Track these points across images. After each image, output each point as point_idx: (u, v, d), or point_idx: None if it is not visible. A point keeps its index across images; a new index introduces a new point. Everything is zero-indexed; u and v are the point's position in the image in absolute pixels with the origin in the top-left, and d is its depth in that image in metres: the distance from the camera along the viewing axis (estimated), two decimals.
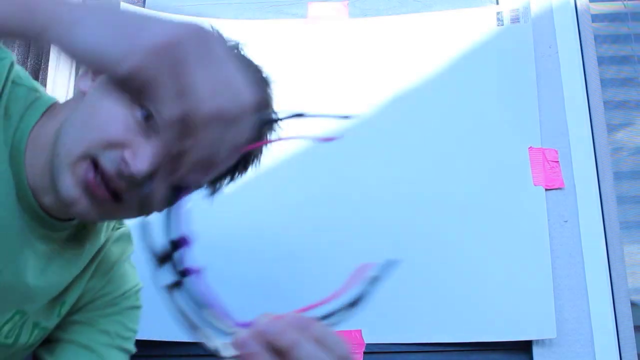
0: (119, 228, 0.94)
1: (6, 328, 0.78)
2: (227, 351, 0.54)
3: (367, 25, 1.38)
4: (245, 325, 0.54)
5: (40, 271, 0.80)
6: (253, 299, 1.16)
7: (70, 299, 0.87)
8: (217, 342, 0.55)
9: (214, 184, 0.86)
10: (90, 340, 0.89)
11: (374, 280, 0.61)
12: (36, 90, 0.77)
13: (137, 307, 0.95)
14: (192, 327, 0.55)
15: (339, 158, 1.26)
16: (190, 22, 0.49)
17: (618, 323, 1.14)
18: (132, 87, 0.49)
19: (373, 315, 1.15)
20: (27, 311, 0.80)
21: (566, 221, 1.21)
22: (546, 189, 1.22)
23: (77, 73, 1.38)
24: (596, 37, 1.38)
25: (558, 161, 1.24)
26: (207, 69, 0.48)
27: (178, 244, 0.56)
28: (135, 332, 0.94)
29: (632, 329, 1.14)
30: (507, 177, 1.23)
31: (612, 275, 1.17)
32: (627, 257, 1.23)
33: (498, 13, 1.35)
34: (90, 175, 0.69)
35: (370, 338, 1.14)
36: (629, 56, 1.47)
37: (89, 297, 0.90)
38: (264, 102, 0.82)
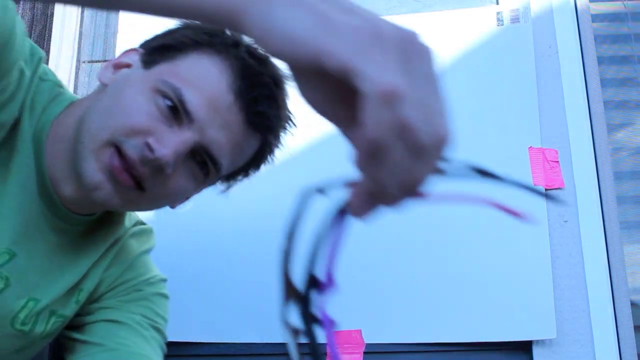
0: (141, 224, 0.96)
1: (22, 314, 0.79)
2: None
3: None
4: None
5: (51, 260, 0.81)
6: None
7: (88, 287, 0.87)
8: None
9: (229, 180, 0.87)
10: (121, 317, 0.90)
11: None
12: (60, 86, 0.81)
13: (165, 296, 0.95)
14: None
15: (338, 158, 1.26)
16: (408, 28, 0.44)
17: (618, 323, 1.14)
18: (330, 70, 0.40)
19: (373, 315, 1.15)
20: (40, 298, 0.81)
21: (566, 221, 1.21)
22: (546, 189, 1.22)
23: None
24: (596, 37, 1.37)
25: (558, 161, 1.24)
26: (425, 87, 0.41)
27: (317, 283, 0.48)
28: (165, 320, 0.94)
29: (632, 329, 1.14)
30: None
31: (612, 275, 1.17)
32: (627, 257, 1.23)
33: (498, 13, 1.35)
34: (115, 161, 0.71)
35: (370, 338, 1.14)
36: (629, 56, 1.47)
37: (107, 285, 0.90)
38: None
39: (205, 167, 0.78)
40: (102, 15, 1.42)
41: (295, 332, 0.50)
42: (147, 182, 0.73)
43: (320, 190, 0.49)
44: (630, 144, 1.43)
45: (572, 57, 1.32)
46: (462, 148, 1.36)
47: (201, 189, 0.83)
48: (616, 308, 1.15)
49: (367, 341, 1.13)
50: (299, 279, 0.48)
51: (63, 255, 0.83)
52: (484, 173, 0.52)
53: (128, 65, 0.81)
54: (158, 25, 1.38)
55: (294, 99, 0.80)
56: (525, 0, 1.35)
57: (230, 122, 0.76)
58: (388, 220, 1.22)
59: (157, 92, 0.74)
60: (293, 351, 0.49)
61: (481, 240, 1.19)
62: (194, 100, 0.74)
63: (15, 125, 0.75)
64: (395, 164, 0.41)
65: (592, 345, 1.12)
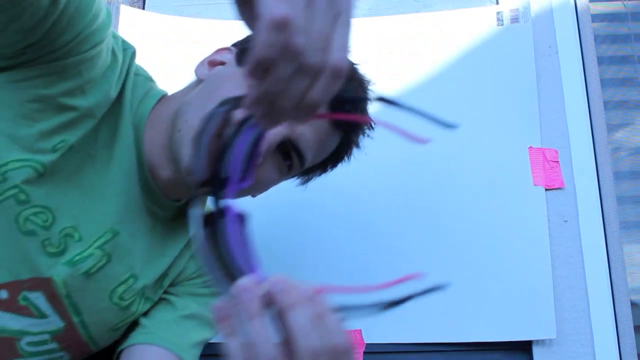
0: None
1: (120, 289, 0.86)
2: (228, 292, 0.52)
3: (367, 25, 1.38)
4: (259, 277, 0.53)
5: (149, 242, 0.89)
6: None
7: (172, 274, 0.95)
8: (224, 284, 0.53)
9: (307, 174, 0.96)
10: (178, 302, 0.96)
11: (409, 297, 0.60)
12: (152, 80, 0.89)
13: None
14: (208, 264, 0.54)
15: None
16: None
17: (618, 323, 1.14)
18: None
19: (373, 315, 1.15)
20: (139, 276, 0.88)
21: (566, 221, 1.21)
22: (546, 189, 1.22)
23: None
24: (596, 37, 1.37)
25: (558, 161, 1.24)
26: (324, 21, 0.50)
27: (224, 180, 0.56)
28: None
29: (632, 329, 1.14)
30: (507, 177, 1.23)
31: (612, 275, 1.17)
32: (626, 257, 1.23)
33: (498, 13, 1.35)
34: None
35: (370, 338, 1.13)
36: (629, 56, 1.47)
37: (186, 276, 0.97)
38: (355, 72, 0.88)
39: (289, 160, 0.85)
40: None
41: (206, 218, 0.56)
42: None
43: (230, 103, 0.59)
44: (630, 143, 1.43)
45: (572, 57, 1.32)
46: (462, 148, 1.37)
47: (282, 180, 0.90)
48: (616, 308, 1.15)
49: (367, 341, 1.13)
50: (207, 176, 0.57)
51: (158, 239, 0.90)
52: (389, 102, 0.62)
53: (222, 63, 0.87)
54: (158, 25, 1.38)
55: None
56: (525, 0, 1.35)
57: (317, 120, 0.84)
58: (387, 221, 1.22)
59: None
60: (202, 245, 0.55)
61: (481, 240, 1.19)
62: None
63: (118, 114, 0.82)
64: (283, 79, 0.50)
65: (592, 345, 1.12)
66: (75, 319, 0.84)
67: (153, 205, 0.88)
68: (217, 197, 0.57)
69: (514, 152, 1.24)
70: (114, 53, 0.80)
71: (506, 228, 1.20)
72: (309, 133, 0.83)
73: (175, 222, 0.93)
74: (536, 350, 1.12)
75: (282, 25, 0.47)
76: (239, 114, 0.61)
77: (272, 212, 1.21)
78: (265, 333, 0.49)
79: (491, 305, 1.14)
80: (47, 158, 0.76)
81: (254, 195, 0.91)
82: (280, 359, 0.49)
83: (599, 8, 1.49)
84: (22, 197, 0.76)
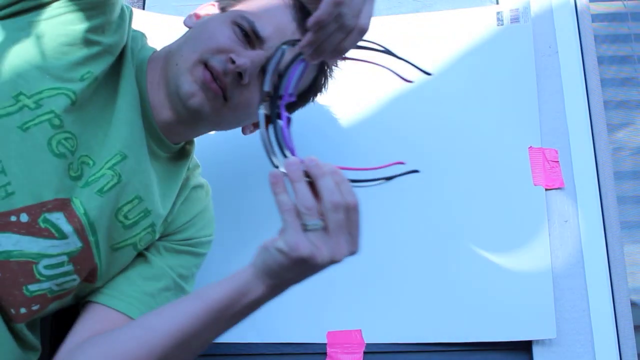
0: (198, 168, 1.11)
1: (126, 208, 0.93)
2: (281, 167, 0.78)
3: None
4: (299, 158, 0.77)
5: (153, 170, 0.97)
6: None
7: (169, 217, 1.02)
8: (278, 161, 0.79)
9: (302, 100, 1.07)
10: (158, 265, 1.01)
11: (397, 175, 0.90)
12: (144, 35, 1.03)
13: (205, 256, 1.08)
14: (267, 147, 0.80)
15: (338, 158, 1.26)
16: None
17: (618, 323, 1.14)
18: None
19: (373, 315, 1.15)
20: (144, 199, 0.95)
21: (566, 221, 1.21)
22: (546, 189, 1.22)
23: None
24: (596, 37, 1.38)
25: (558, 161, 1.24)
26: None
27: (281, 96, 0.84)
28: (192, 275, 1.06)
29: (632, 329, 1.14)
30: (507, 177, 1.23)
31: (612, 275, 1.17)
32: (627, 257, 1.23)
33: (498, 13, 1.35)
34: (207, 73, 0.92)
35: (370, 338, 1.13)
36: (629, 56, 1.47)
37: (175, 227, 1.03)
38: None
39: None
40: None
41: (266, 117, 0.83)
42: (229, 91, 0.93)
43: (290, 43, 0.90)
44: (630, 143, 1.43)
45: (572, 57, 1.32)
46: (462, 148, 1.36)
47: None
48: (616, 308, 1.15)
49: (367, 341, 1.13)
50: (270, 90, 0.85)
51: (161, 177, 0.99)
52: (389, 53, 0.98)
53: (207, 15, 1.04)
54: (158, 25, 1.38)
55: None
56: (525, 0, 1.35)
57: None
58: (387, 220, 1.22)
59: (234, 23, 0.95)
60: (262, 130, 0.82)
61: (481, 240, 1.19)
62: (265, 27, 0.95)
63: (121, 57, 0.94)
64: (329, 33, 0.80)
65: (592, 345, 1.12)
66: (91, 238, 0.90)
67: (154, 144, 0.97)
68: (274, 104, 0.83)
69: (514, 152, 1.24)
70: (121, 6, 0.93)
71: (506, 228, 1.20)
72: (287, 56, 0.93)
73: (172, 165, 1.02)
74: (536, 350, 1.12)
75: (339, 4, 0.77)
76: (290, 52, 0.88)
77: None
78: (306, 190, 0.75)
79: (491, 305, 1.14)
80: (77, 86, 0.86)
81: (244, 132, 1.08)
82: (314, 207, 0.74)
83: (599, 8, 1.49)
84: (57, 122, 0.85)
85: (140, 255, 1.00)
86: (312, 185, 0.75)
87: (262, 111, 0.83)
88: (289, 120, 0.83)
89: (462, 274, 1.17)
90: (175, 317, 0.82)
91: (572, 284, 1.17)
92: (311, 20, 0.78)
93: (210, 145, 1.23)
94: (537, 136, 1.25)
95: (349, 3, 0.78)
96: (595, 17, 1.45)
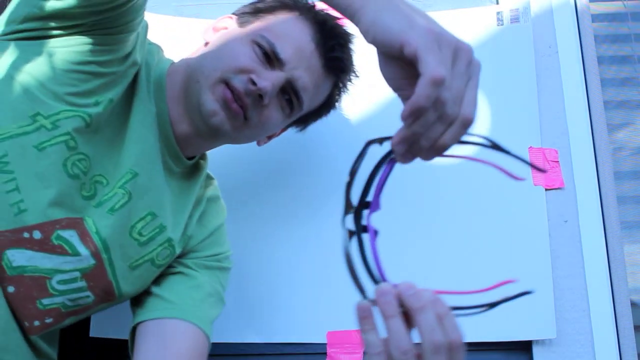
0: (213, 186, 1.11)
1: (139, 225, 0.95)
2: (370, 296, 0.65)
3: None
4: (393, 283, 0.65)
5: (167, 186, 0.98)
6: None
7: (188, 233, 1.03)
8: (368, 290, 0.66)
9: (306, 120, 1.09)
10: (199, 279, 1.03)
11: (505, 300, 0.74)
12: (160, 48, 1.03)
13: (229, 270, 1.09)
14: (353, 274, 0.66)
15: (338, 157, 1.27)
16: (463, 40, 0.67)
17: (618, 323, 1.14)
18: (406, 55, 0.64)
19: (373, 315, 1.15)
20: (158, 215, 0.96)
21: (566, 221, 1.21)
22: (546, 189, 1.22)
23: None
24: (596, 37, 1.37)
25: (558, 161, 1.24)
26: (461, 80, 0.65)
27: (367, 204, 0.70)
28: (225, 290, 1.08)
29: (632, 329, 1.14)
30: (507, 177, 1.23)
31: (612, 275, 1.17)
32: (627, 257, 1.22)
33: (498, 13, 1.35)
34: (227, 93, 0.92)
35: None
36: (629, 56, 1.47)
37: (194, 243, 1.05)
38: None
39: (290, 103, 0.99)
40: None
41: (350, 233, 0.68)
42: (249, 111, 0.94)
43: (377, 142, 0.71)
44: (630, 143, 1.43)
45: (572, 57, 1.32)
46: (462, 148, 1.35)
47: (285, 124, 1.05)
48: (616, 308, 1.15)
49: None
50: (355, 201, 0.69)
51: (175, 192, 1.00)
52: (496, 147, 0.73)
53: (225, 28, 1.03)
54: (157, 25, 1.38)
55: None
56: (525, 0, 1.35)
57: (312, 65, 0.99)
58: (387, 220, 1.22)
59: (254, 43, 0.95)
60: (347, 247, 0.67)
61: (481, 239, 1.19)
62: (285, 48, 0.95)
63: (136, 76, 0.94)
64: (428, 124, 0.64)
65: (592, 345, 1.12)
66: (104, 256, 0.90)
67: (170, 159, 0.98)
68: (359, 215, 0.69)
69: (514, 152, 1.24)
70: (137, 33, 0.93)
71: (506, 228, 1.20)
72: (305, 77, 0.98)
73: (186, 180, 1.03)
74: (536, 350, 1.12)
75: (439, 83, 0.61)
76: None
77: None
78: (401, 328, 0.62)
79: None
80: (93, 110, 0.87)
81: (259, 143, 1.08)
82: (412, 350, 0.61)
83: (599, 8, 1.49)
84: (72, 143, 0.86)
85: (177, 274, 1.02)
86: (405, 315, 0.63)
87: (347, 226, 0.69)
88: (375, 234, 0.69)
89: (462, 274, 1.17)
90: None
91: (572, 284, 1.17)
92: (406, 110, 0.64)
93: (222, 157, 1.23)
94: (537, 136, 1.25)
95: (450, 86, 0.63)
96: (595, 17, 1.45)
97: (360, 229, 0.69)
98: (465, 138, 0.68)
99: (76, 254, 0.88)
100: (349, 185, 0.69)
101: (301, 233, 1.22)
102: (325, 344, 1.14)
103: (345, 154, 1.28)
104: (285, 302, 1.18)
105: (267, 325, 1.16)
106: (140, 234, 0.95)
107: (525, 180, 0.85)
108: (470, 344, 1.13)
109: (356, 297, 1.23)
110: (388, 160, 0.71)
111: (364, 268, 0.67)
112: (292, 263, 1.20)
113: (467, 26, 1.34)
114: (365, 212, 0.70)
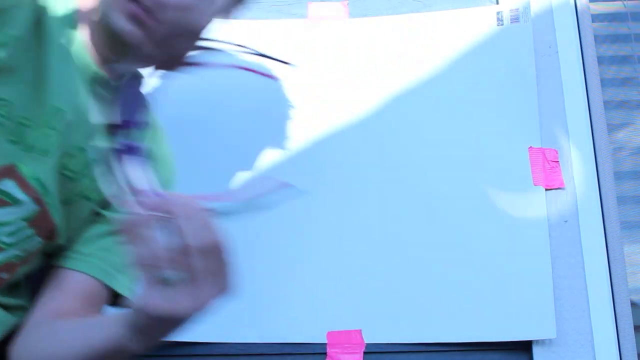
0: None
1: (70, 162, 0.92)
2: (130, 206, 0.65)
3: (367, 25, 1.38)
4: (153, 195, 0.67)
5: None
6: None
7: None
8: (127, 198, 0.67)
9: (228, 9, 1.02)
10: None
11: (262, 202, 0.73)
12: None
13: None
14: (113, 183, 0.68)
15: (339, 156, 1.27)
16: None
17: (618, 323, 1.14)
18: None
19: (373, 315, 1.15)
20: (87, 149, 0.92)
21: (566, 221, 1.21)
22: (546, 189, 1.22)
23: None
24: (596, 37, 1.37)
25: (558, 161, 1.24)
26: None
27: (131, 122, 0.72)
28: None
29: (632, 329, 1.14)
30: (507, 177, 1.23)
31: (612, 275, 1.17)
32: (627, 257, 1.22)
33: (498, 13, 1.35)
34: (134, 7, 0.86)
35: (370, 338, 1.13)
36: (629, 56, 1.47)
37: None
38: None
39: None
40: None
41: (110, 153, 0.71)
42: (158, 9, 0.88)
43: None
44: (630, 143, 1.43)
45: (572, 57, 1.32)
46: (462, 148, 1.36)
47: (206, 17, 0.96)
48: (616, 308, 1.15)
49: (367, 341, 1.13)
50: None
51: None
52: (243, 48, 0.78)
53: None
54: None
55: None
56: (525, 0, 1.35)
57: None
58: (387, 220, 1.22)
59: None
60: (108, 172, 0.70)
61: (481, 239, 1.19)
62: None
63: (38, 10, 0.88)
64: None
65: (592, 345, 1.12)
66: (45, 199, 0.89)
67: (98, 87, 0.93)
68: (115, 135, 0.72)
69: (514, 152, 1.24)
70: None
71: (506, 228, 1.19)
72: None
73: None
74: (536, 350, 1.12)
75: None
76: None
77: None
78: (159, 238, 0.63)
79: (491, 305, 1.14)
80: (1, 53, 0.83)
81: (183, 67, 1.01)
82: (176, 258, 0.62)
83: (599, 8, 1.49)
84: None
85: (100, 215, 0.99)
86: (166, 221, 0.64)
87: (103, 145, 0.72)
88: (137, 149, 0.72)
89: (462, 274, 1.17)
90: (77, 341, 0.82)
91: (572, 284, 1.16)
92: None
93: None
94: (537, 136, 1.25)
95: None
96: (595, 17, 1.45)
97: (120, 148, 0.71)
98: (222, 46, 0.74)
99: (17, 202, 0.87)
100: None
101: (301, 233, 1.22)
102: (325, 344, 1.14)
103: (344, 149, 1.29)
104: (285, 302, 1.18)
105: (267, 325, 1.16)
106: (71, 170, 0.93)
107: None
108: (470, 344, 1.14)
109: (357, 296, 1.23)
110: (126, 79, 0.76)
111: (126, 185, 0.69)
112: (292, 263, 1.20)
113: (467, 26, 1.35)
114: (121, 132, 0.73)
